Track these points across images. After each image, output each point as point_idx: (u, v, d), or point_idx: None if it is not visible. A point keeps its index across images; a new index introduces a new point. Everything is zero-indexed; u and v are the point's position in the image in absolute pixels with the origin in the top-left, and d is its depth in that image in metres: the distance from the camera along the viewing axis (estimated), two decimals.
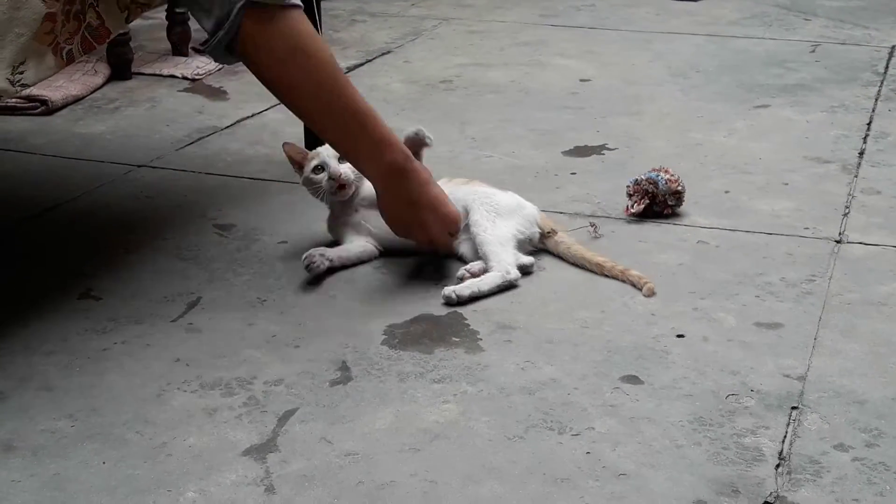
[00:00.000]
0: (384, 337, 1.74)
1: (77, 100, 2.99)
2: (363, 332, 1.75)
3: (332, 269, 1.95)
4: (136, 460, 1.43)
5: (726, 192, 2.28)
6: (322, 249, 1.94)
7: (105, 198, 2.34)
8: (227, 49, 1.81)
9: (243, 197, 2.32)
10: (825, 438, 1.45)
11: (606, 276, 1.90)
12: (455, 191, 1.99)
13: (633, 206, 2.14)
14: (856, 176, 2.37)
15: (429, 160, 1.94)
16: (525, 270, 1.93)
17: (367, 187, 1.98)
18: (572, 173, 2.42)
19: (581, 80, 3.13)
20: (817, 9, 3.91)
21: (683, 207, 2.17)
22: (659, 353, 1.67)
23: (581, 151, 2.56)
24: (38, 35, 1.68)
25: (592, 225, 2.08)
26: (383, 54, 3.46)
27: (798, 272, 1.92)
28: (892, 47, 3.40)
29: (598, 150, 2.57)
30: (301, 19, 1.81)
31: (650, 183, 2.13)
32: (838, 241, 2.05)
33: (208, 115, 2.88)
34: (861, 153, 2.51)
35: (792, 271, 1.93)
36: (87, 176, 2.45)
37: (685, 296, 1.85)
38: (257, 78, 1.87)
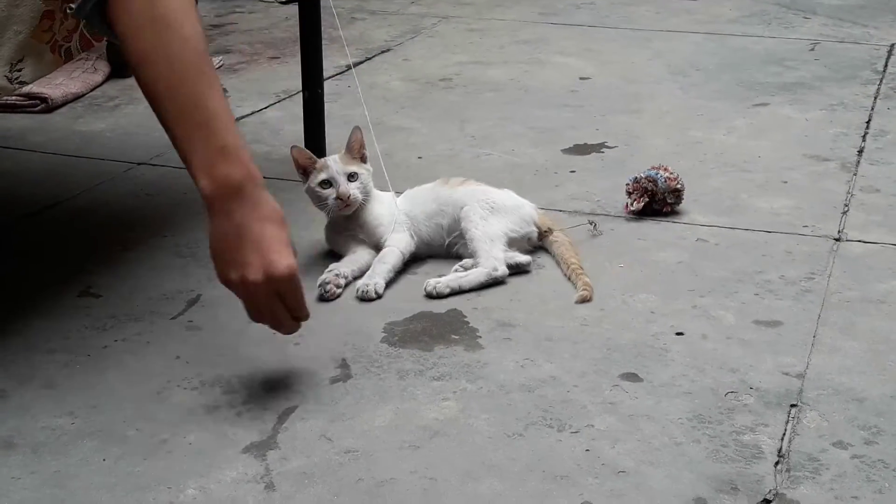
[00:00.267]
0: (384, 334, 1.74)
1: (77, 97, 3.00)
2: (363, 329, 1.75)
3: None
4: (136, 457, 1.43)
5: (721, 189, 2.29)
6: (335, 270, 1.89)
7: (105, 195, 2.34)
8: (102, 17, 1.55)
9: None
10: (824, 436, 1.45)
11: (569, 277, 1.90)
12: (452, 192, 1.99)
13: (632, 204, 2.15)
14: (855, 174, 2.37)
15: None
16: (522, 269, 1.93)
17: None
18: (572, 171, 2.42)
19: (581, 79, 3.13)
20: (816, 7, 3.91)
21: (683, 205, 2.17)
22: (658, 351, 1.67)
23: (580, 149, 2.56)
24: (37, 32, 1.67)
25: (592, 223, 2.09)
26: (383, 52, 3.46)
27: (797, 270, 1.93)
28: (892, 45, 3.40)
29: (598, 148, 2.57)
30: None
31: (649, 181, 2.13)
32: (837, 239, 2.05)
33: None
34: (860, 151, 2.51)
35: (791, 269, 1.93)
36: (86, 173, 2.45)
37: (684, 294, 1.85)
38: (122, 51, 1.57)
